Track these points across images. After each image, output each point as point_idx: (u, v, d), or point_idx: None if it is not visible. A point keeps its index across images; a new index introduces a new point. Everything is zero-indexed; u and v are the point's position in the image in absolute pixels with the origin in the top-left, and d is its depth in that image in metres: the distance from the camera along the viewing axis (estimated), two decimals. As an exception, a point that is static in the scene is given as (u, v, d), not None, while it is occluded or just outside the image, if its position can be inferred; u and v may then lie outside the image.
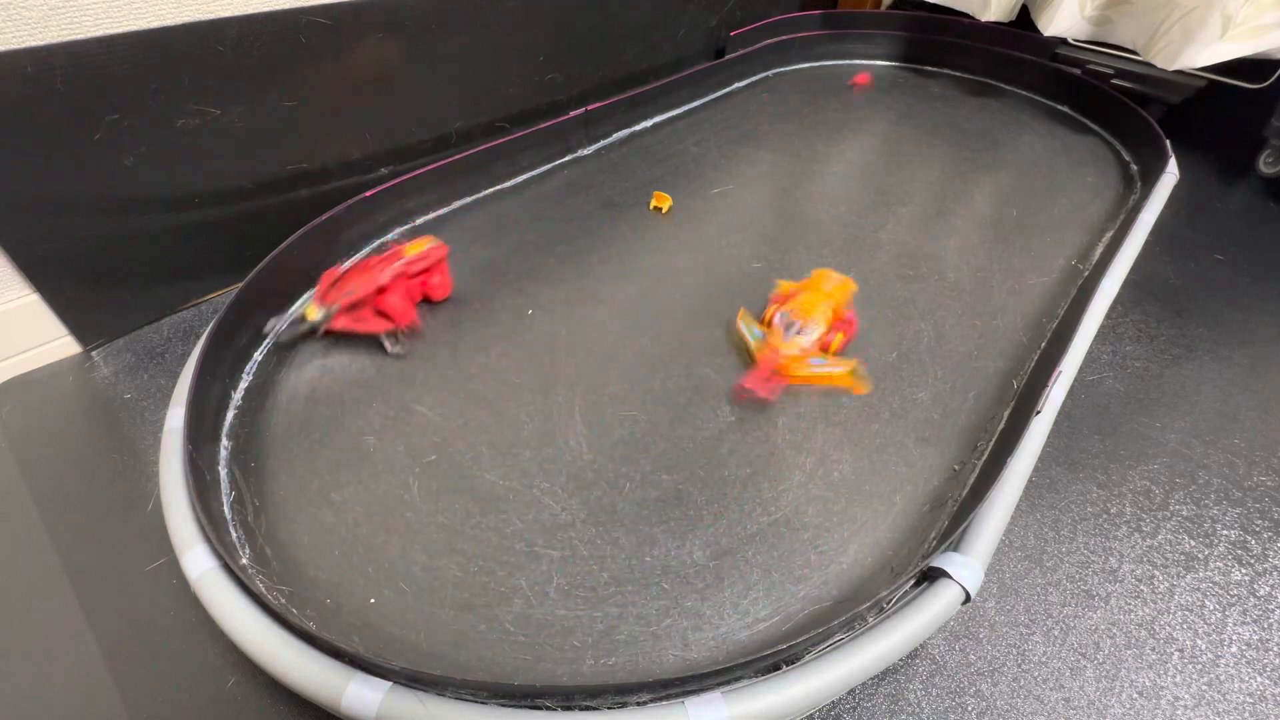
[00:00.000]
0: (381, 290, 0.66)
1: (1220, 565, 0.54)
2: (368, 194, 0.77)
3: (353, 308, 0.65)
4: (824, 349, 0.66)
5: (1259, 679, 0.47)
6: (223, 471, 0.56)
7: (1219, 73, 1.03)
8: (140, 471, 0.58)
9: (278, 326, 0.67)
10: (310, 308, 0.64)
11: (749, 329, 0.67)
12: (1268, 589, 0.53)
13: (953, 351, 0.70)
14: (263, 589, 0.45)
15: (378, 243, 0.81)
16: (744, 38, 1.23)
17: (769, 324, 0.67)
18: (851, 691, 0.46)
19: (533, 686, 0.38)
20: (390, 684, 0.38)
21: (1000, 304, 0.76)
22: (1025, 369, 0.67)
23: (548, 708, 0.38)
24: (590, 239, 0.84)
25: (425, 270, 0.69)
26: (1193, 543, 0.56)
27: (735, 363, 0.67)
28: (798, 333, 0.65)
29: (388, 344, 0.65)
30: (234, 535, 0.51)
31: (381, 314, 0.66)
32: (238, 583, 0.43)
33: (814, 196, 0.95)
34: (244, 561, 0.49)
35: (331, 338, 0.68)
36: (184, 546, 0.45)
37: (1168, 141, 0.95)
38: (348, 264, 0.76)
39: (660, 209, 0.89)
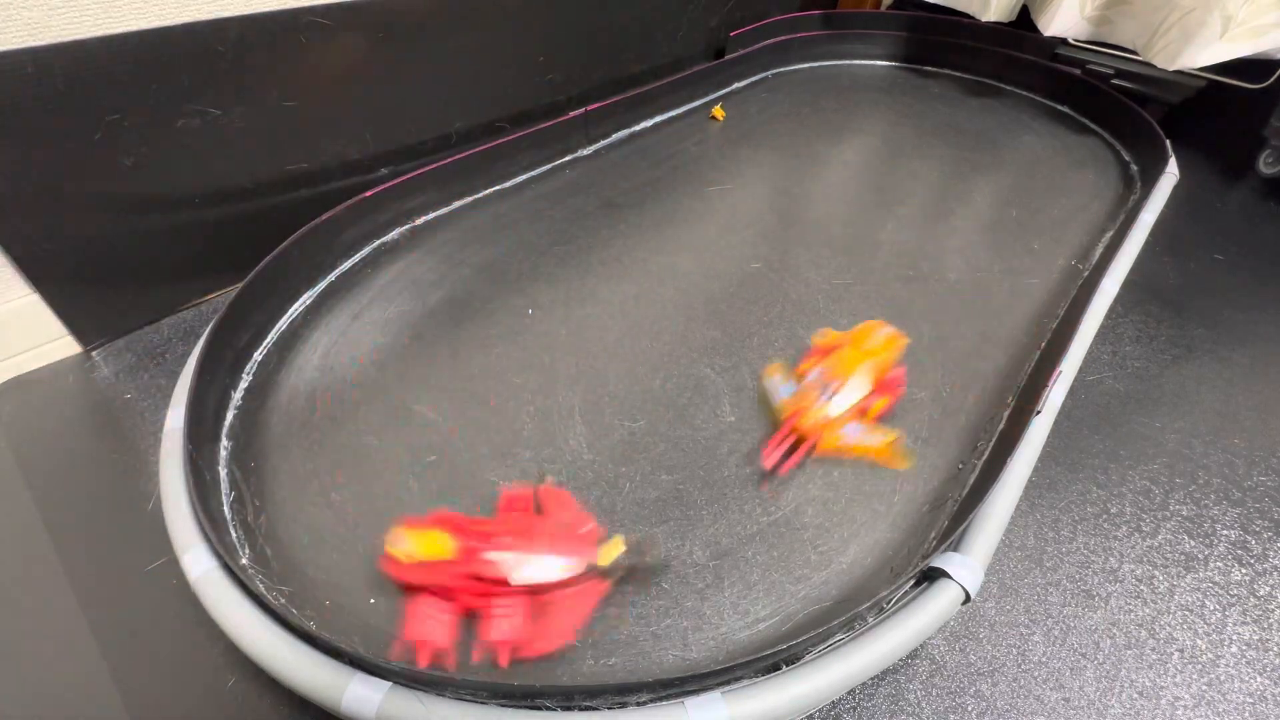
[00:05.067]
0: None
1: (1220, 565, 0.54)
2: (368, 194, 0.77)
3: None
4: (862, 413, 0.58)
5: (1259, 679, 0.47)
6: (223, 471, 0.56)
7: (1219, 73, 1.03)
8: (140, 471, 0.58)
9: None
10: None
11: (775, 386, 0.59)
12: (1268, 589, 0.53)
13: (953, 351, 0.70)
14: (263, 589, 0.45)
15: (376, 243, 0.81)
16: (744, 38, 1.23)
17: (801, 377, 0.60)
18: (851, 691, 0.46)
19: (533, 687, 0.38)
20: (390, 684, 0.38)
21: (1000, 304, 0.76)
22: (1025, 369, 0.67)
23: (548, 708, 0.38)
24: (590, 239, 0.84)
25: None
26: (1193, 543, 0.56)
27: (735, 362, 0.67)
28: (833, 395, 0.56)
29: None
30: (234, 535, 0.51)
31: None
32: (238, 583, 0.43)
33: (814, 196, 0.95)
34: (244, 561, 0.49)
35: (330, 337, 0.68)
36: (184, 546, 0.45)
37: (1168, 141, 0.95)
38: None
39: (717, 119, 1.09)
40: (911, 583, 0.45)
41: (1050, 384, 0.57)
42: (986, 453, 0.58)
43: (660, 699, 0.39)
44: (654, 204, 0.91)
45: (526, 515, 0.52)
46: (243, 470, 0.56)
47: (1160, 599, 0.52)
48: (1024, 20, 1.19)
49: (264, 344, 0.67)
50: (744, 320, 0.73)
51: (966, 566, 0.44)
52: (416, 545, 0.45)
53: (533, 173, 0.96)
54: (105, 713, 0.44)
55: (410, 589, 0.46)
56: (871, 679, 0.46)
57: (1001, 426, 0.61)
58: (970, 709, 0.45)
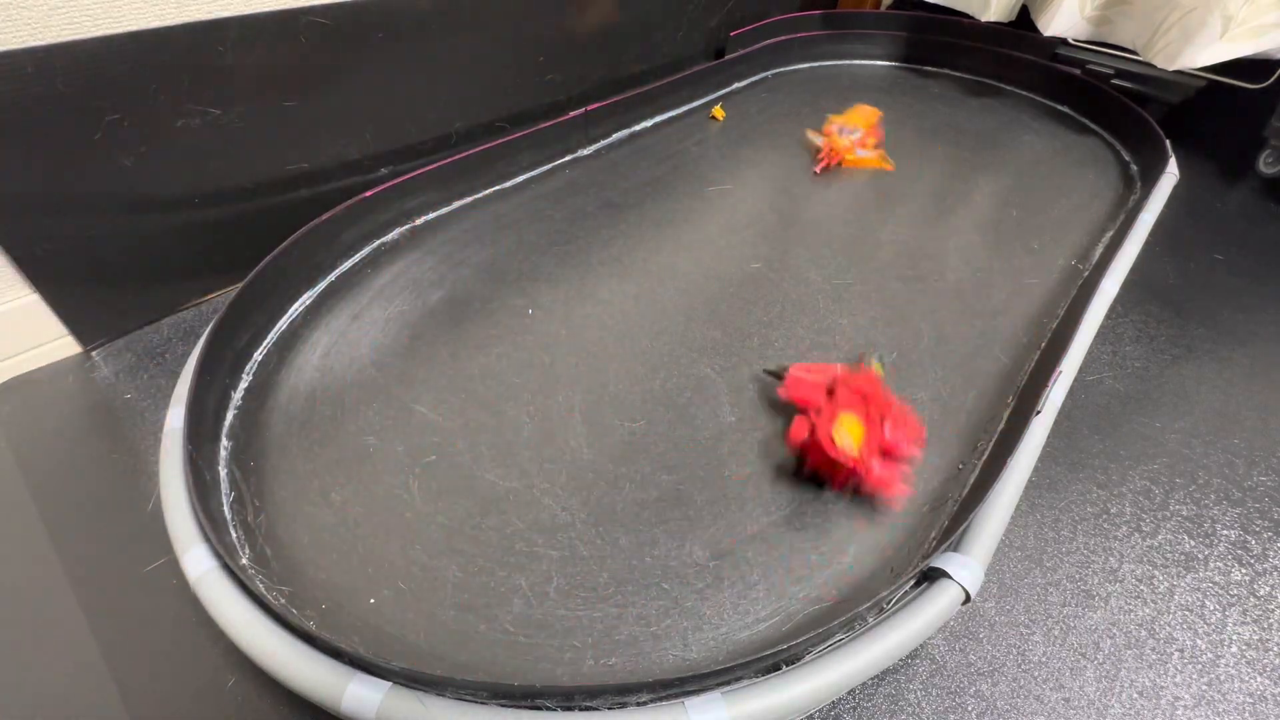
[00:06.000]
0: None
1: (1220, 565, 0.54)
2: (368, 194, 0.77)
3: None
4: (863, 146, 1.01)
5: (1259, 679, 0.47)
6: (223, 471, 0.56)
7: (1219, 73, 1.03)
8: (140, 471, 0.58)
9: None
10: None
11: (814, 137, 1.04)
12: (1268, 589, 0.53)
13: (953, 351, 0.70)
14: (263, 589, 0.45)
15: (376, 243, 0.81)
16: (744, 38, 1.23)
17: (828, 134, 1.03)
18: (851, 691, 0.46)
19: (533, 686, 0.38)
20: (390, 684, 0.38)
21: (1000, 304, 0.76)
22: (1025, 369, 0.67)
23: (548, 708, 0.38)
24: (590, 239, 0.84)
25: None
26: (1193, 543, 0.56)
27: (735, 362, 0.67)
28: (849, 134, 1.01)
29: None
30: (234, 535, 0.51)
31: None
32: (238, 583, 0.43)
33: (814, 196, 0.95)
34: (244, 561, 0.49)
35: (330, 337, 0.68)
36: (184, 546, 0.45)
37: (1168, 141, 0.95)
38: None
39: (717, 119, 1.12)
40: (911, 583, 0.45)
41: (1050, 384, 0.57)
42: (986, 453, 0.59)
43: (660, 699, 0.39)
44: (654, 204, 0.91)
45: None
46: (243, 470, 0.56)
47: (1160, 599, 0.52)
48: (1024, 20, 1.19)
49: (264, 344, 0.67)
50: (744, 320, 0.73)
51: (966, 566, 0.44)
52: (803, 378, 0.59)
53: (533, 173, 0.96)
54: (105, 713, 0.44)
55: (799, 403, 0.58)
56: (871, 679, 0.46)
57: (1001, 426, 0.61)
58: (970, 709, 0.45)
